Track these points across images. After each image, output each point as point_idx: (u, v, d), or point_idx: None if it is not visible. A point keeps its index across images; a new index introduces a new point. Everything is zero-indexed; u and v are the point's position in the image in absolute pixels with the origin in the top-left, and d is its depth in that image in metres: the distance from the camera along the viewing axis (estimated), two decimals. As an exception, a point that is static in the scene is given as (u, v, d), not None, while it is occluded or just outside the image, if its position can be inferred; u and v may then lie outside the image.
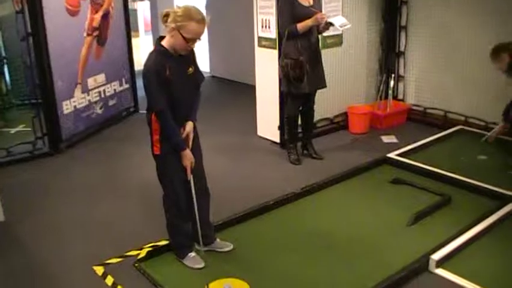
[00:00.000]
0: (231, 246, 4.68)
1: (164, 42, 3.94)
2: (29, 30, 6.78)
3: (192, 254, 4.48)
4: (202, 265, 4.41)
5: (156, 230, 4.77)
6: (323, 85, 6.48)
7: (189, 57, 4.11)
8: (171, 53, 3.94)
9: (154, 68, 3.86)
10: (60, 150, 7.19)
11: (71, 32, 7.34)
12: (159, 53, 3.92)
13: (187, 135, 4.17)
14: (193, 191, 4.29)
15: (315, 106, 6.62)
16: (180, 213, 4.34)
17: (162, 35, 4.01)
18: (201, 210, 4.44)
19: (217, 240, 4.68)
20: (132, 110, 8.96)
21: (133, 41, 9.55)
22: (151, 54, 3.94)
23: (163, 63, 3.88)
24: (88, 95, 7.75)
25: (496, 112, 7.21)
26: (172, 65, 3.92)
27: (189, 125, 4.18)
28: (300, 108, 6.52)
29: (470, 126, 7.65)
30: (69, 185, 6.17)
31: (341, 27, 6.15)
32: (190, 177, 4.23)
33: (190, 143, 4.21)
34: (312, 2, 6.16)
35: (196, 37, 3.90)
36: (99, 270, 4.43)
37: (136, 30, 14.30)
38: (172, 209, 4.34)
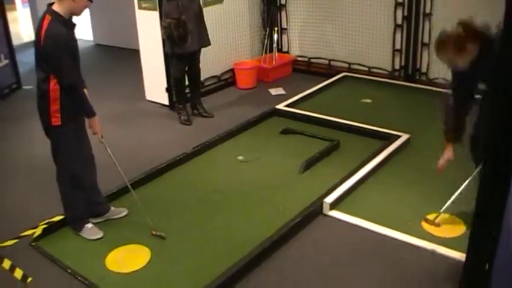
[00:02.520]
0: (126, 211, 4.68)
1: (59, 9, 3.84)
2: None
3: (89, 225, 4.44)
4: (100, 235, 4.38)
5: (49, 207, 4.65)
6: (207, 43, 6.48)
7: None
8: (70, 21, 3.90)
9: (66, 40, 3.82)
10: None
11: None
12: (61, 22, 3.83)
13: None
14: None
15: (200, 65, 6.62)
16: (76, 184, 4.28)
17: (50, 1, 3.91)
18: (93, 179, 4.44)
19: (112, 208, 4.66)
20: (14, 86, 8.61)
21: (10, 14, 9.12)
22: (52, 24, 3.80)
23: (69, 34, 3.85)
24: (-35, 74, 7.40)
25: (376, 57, 7.50)
26: (73, 33, 3.91)
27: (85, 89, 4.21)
28: (186, 69, 6.50)
29: (353, 73, 7.90)
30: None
31: None
32: (103, 140, 4.25)
33: None
34: None
35: None
36: (-5, 254, 4.31)
37: (13, 3, 13.68)
38: (68, 181, 4.27)
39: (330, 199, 4.53)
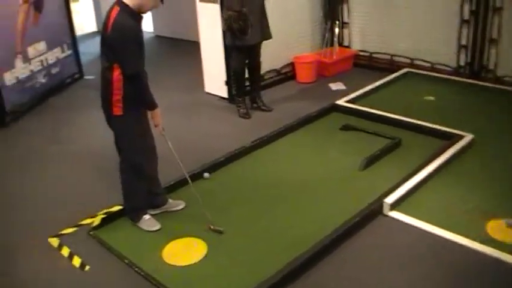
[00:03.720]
0: (183, 204, 4.69)
1: (128, 2, 3.89)
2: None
3: (147, 216, 4.46)
4: (158, 227, 4.40)
5: (109, 197, 4.70)
6: (268, 36, 6.42)
7: None
8: (138, 14, 3.95)
9: (135, 30, 3.90)
10: (6, 123, 7.00)
11: (5, 0, 7.09)
12: (129, 14, 3.88)
13: None
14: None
15: (261, 58, 6.56)
16: (137, 174, 4.31)
17: None
18: (154, 169, 4.47)
19: (170, 200, 4.67)
20: (76, 76, 8.74)
21: (73, 5, 9.27)
22: (120, 14, 3.86)
23: (137, 25, 3.92)
24: (30, 64, 7.52)
25: (440, 53, 7.31)
26: (140, 26, 3.99)
27: None
28: (246, 61, 6.46)
29: (416, 68, 7.72)
30: (17, 158, 6.03)
31: None
32: (164, 133, 4.27)
33: None
34: None
35: None
36: (55, 241, 4.36)
37: (76, -6, 13.91)
38: (130, 170, 4.31)
39: (390, 199, 4.42)
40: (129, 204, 4.48)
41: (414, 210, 4.41)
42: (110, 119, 4.17)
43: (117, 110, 4.05)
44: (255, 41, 6.24)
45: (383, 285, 3.67)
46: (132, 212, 4.49)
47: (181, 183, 4.87)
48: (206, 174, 5.10)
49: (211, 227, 4.31)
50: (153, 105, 4.15)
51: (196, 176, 5.05)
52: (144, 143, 4.28)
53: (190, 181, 4.52)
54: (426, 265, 3.82)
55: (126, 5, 3.88)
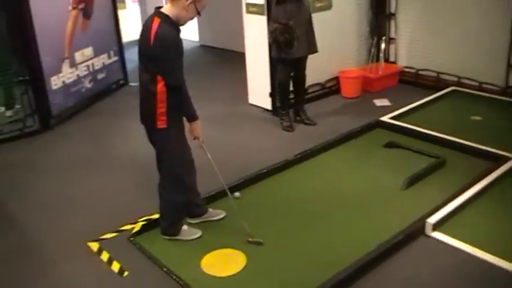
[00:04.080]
0: (224, 214, 4.68)
1: (169, 13, 3.88)
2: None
3: (185, 227, 4.47)
4: (199, 234, 4.41)
5: (149, 203, 4.71)
6: (314, 50, 6.40)
7: None
8: (177, 24, 3.93)
9: (177, 41, 3.86)
10: (51, 126, 7.10)
11: (55, 6, 7.20)
12: (170, 25, 3.87)
13: None
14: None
15: (306, 71, 6.54)
16: (179, 186, 4.29)
17: (158, 5, 4.02)
18: (193, 181, 4.46)
19: (210, 209, 4.67)
20: (121, 82, 8.85)
21: (120, 12, 9.38)
22: (163, 25, 3.83)
23: (178, 35, 3.89)
24: (76, 69, 7.64)
25: (488, 72, 7.17)
26: (180, 36, 3.95)
27: None
28: (292, 74, 6.44)
29: (463, 87, 7.59)
30: (60, 161, 6.11)
31: None
32: (203, 145, 4.25)
33: None
34: None
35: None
36: (94, 246, 4.40)
37: (123, 1, 14.07)
38: (171, 184, 4.28)
39: (433, 219, 4.33)
40: (167, 222, 4.42)
41: (457, 231, 4.30)
42: (153, 133, 4.13)
43: (161, 123, 4.01)
44: (300, 55, 6.22)
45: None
46: (170, 229, 4.42)
47: (220, 195, 4.84)
48: (237, 194, 4.98)
49: (250, 239, 4.28)
50: (193, 117, 4.14)
51: (237, 187, 5.04)
52: (183, 155, 4.27)
53: (229, 192, 4.50)
54: (468, 289, 3.74)
55: (167, 16, 3.86)
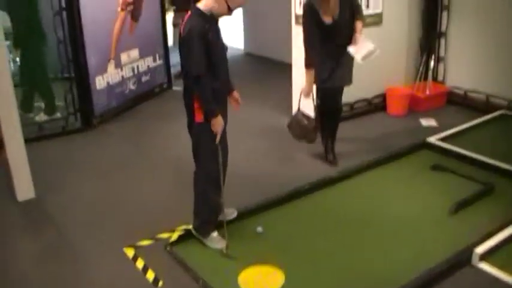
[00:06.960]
0: (235, 213, 4.70)
1: (201, 6, 3.95)
2: (63, 5, 6.72)
3: (215, 233, 4.42)
4: (223, 246, 4.33)
5: (189, 211, 4.60)
6: (346, 83, 5.93)
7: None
8: (210, 17, 3.96)
9: (198, 31, 3.86)
10: (93, 126, 7.13)
11: (104, 6, 7.24)
12: (199, 16, 3.92)
13: (238, 103, 4.43)
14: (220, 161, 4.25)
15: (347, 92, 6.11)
16: (213, 184, 4.27)
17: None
18: (224, 180, 4.40)
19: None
20: (165, 86, 8.85)
21: (167, 16, 9.42)
22: (192, 18, 3.92)
23: (205, 26, 3.88)
24: (121, 70, 7.66)
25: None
26: (212, 28, 3.95)
27: (236, 92, 4.42)
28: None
29: (513, 111, 7.38)
30: (100, 162, 6.11)
31: (363, 59, 5.49)
32: (217, 142, 4.17)
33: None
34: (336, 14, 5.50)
35: (238, 7, 4.04)
36: (130, 252, 4.36)
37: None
38: (205, 179, 4.29)
39: (480, 249, 4.17)
40: (200, 219, 4.42)
41: (506, 263, 4.12)
42: (192, 126, 4.18)
43: (199, 117, 4.06)
44: (335, 84, 5.84)
45: None
46: (202, 227, 4.41)
47: (262, 208, 4.83)
48: (259, 229, 4.65)
49: (224, 251, 4.27)
50: (212, 113, 4.03)
51: (277, 203, 5.00)
52: (218, 154, 4.21)
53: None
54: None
55: (198, 9, 3.94)
